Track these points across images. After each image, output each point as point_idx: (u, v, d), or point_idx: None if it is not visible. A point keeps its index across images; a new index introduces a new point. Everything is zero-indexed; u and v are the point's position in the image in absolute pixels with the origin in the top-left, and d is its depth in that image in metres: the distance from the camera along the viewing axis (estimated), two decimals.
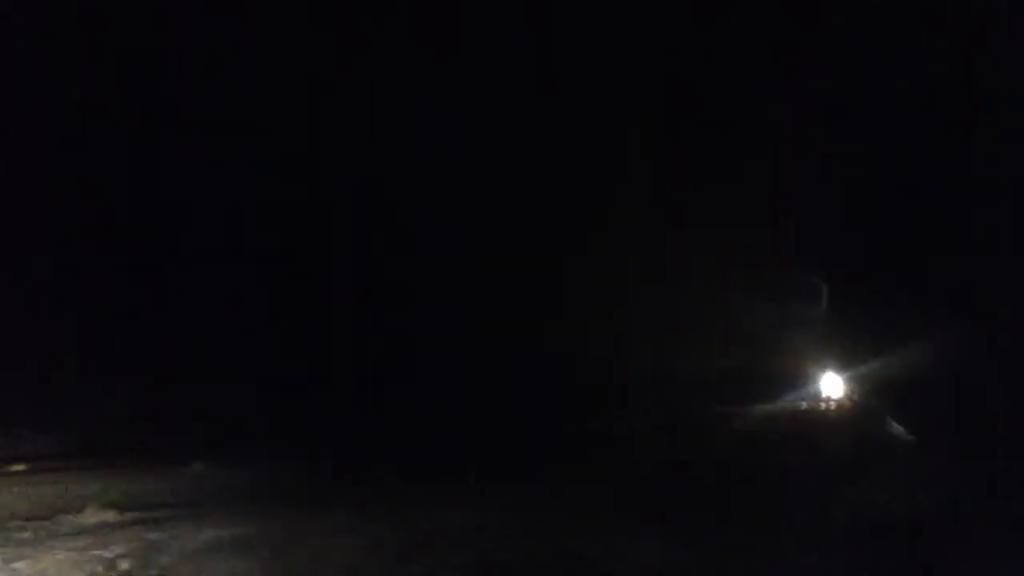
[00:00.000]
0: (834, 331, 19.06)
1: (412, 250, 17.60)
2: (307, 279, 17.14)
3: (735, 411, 17.90)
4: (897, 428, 14.62)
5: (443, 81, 16.23)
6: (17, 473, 11.20)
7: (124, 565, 7.05)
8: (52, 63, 15.58)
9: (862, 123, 14.01)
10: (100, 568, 7.00)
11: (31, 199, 15.65)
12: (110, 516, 8.71)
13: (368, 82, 16.86)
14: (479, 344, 16.45)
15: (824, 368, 20.61)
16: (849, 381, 19.60)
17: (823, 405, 20.26)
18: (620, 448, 13.43)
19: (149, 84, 16.39)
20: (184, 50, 16.27)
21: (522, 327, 16.84)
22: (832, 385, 20.41)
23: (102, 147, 16.04)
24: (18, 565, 6.99)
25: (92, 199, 16.09)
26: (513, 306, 17.22)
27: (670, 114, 16.93)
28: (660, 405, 16.99)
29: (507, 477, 11.08)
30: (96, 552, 7.35)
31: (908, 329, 14.29)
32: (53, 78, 15.53)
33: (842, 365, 19.66)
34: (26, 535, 7.95)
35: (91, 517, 8.67)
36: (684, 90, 16.71)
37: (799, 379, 20.86)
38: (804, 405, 20.37)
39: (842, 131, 14.41)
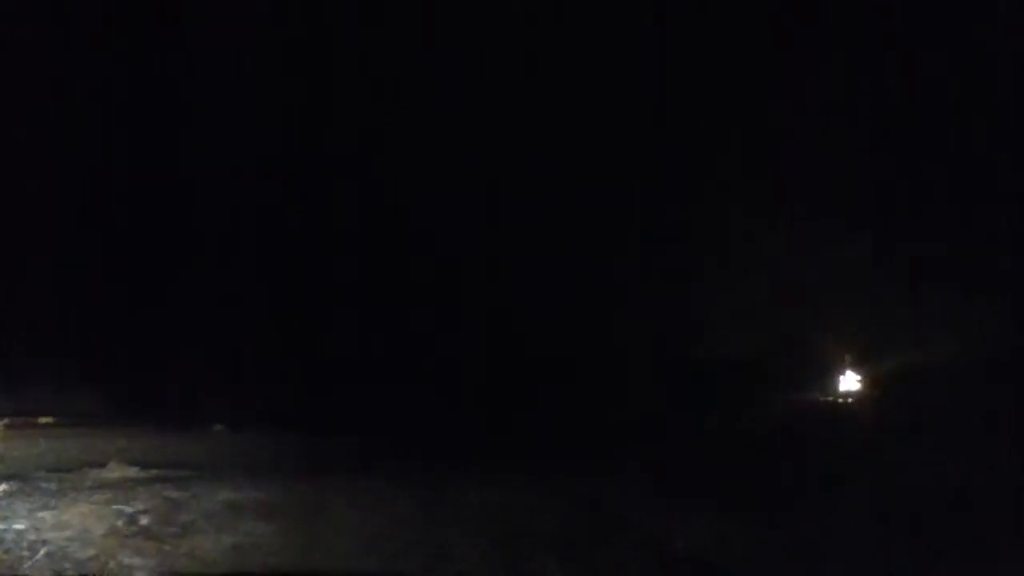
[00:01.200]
0: (860, 324, 19.31)
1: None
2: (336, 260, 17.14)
3: (765, 401, 18.15)
4: (907, 419, 14.69)
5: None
6: (45, 426, 11.31)
7: (144, 520, 7.05)
8: (53, 62, 15.65)
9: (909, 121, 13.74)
10: (120, 522, 7.00)
11: (45, 189, 15.75)
12: (132, 472, 8.74)
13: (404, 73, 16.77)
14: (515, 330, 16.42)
15: (845, 364, 21.52)
16: (867, 377, 20.48)
17: (842, 399, 21.07)
18: (659, 433, 13.34)
19: (153, 83, 16.42)
20: (188, 46, 16.28)
21: (561, 318, 16.78)
22: (851, 380, 21.42)
23: (107, 142, 16.09)
24: (42, 514, 7.01)
25: (112, 186, 16.18)
26: (553, 298, 17.19)
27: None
28: (696, 393, 17.06)
29: (534, 462, 10.97)
30: (118, 507, 7.36)
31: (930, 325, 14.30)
32: (54, 77, 15.59)
33: (861, 362, 20.58)
34: (51, 486, 7.99)
35: (114, 472, 8.71)
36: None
37: (824, 373, 21.79)
38: (828, 398, 21.26)
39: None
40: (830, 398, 21.35)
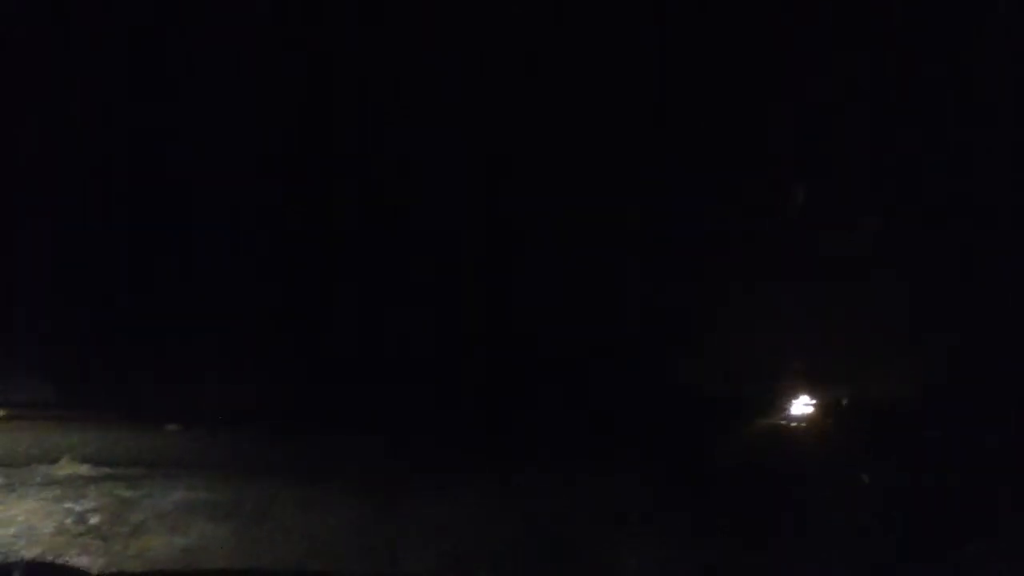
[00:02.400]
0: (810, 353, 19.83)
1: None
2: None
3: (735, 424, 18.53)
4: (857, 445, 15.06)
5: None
6: None
7: (94, 520, 7.00)
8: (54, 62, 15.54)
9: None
10: (69, 520, 6.95)
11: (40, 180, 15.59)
12: (84, 470, 8.65)
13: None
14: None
15: (798, 392, 22.41)
16: (820, 404, 21.27)
17: (795, 424, 21.70)
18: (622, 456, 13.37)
19: (151, 78, 16.29)
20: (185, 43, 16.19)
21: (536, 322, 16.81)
22: (804, 407, 22.34)
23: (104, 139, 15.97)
24: None
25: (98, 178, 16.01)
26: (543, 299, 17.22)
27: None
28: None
29: (505, 468, 10.95)
30: (68, 505, 7.30)
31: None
32: (55, 76, 15.47)
33: (814, 390, 21.44)
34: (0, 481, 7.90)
35: (65, 469, 8.62)
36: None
37: (782, 401, 22.63)
38: (786, 422, 21.91)
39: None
40: (783, 422, 21.90)
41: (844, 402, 19.21)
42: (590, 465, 11.53)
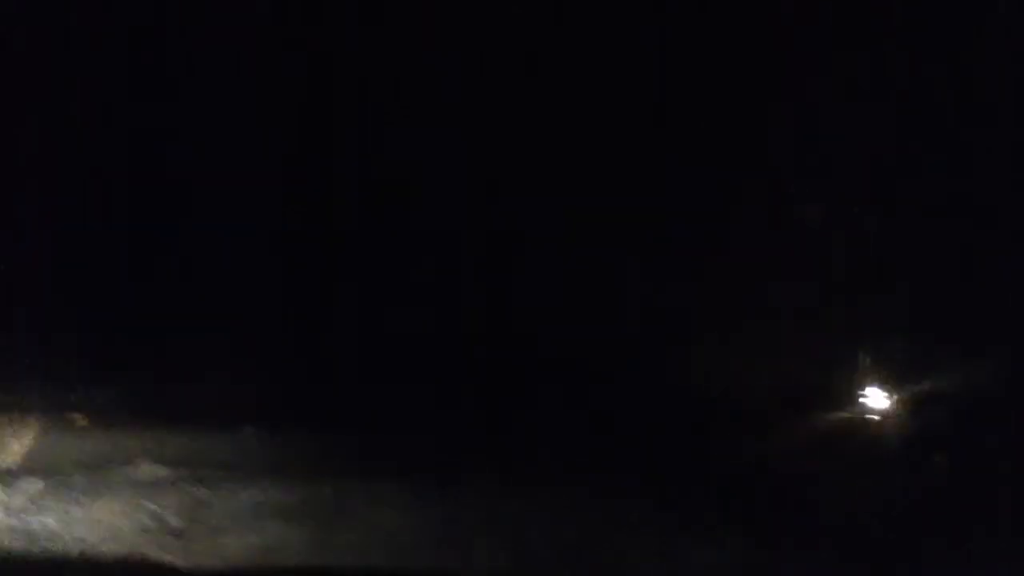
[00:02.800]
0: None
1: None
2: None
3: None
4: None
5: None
6: (74, 422, 11.43)
7: (172, 520, 7.16)
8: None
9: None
10: (148, 520, 7.13)
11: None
12: (161, 472, 8.83)
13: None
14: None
15: (868, 385, 21.50)
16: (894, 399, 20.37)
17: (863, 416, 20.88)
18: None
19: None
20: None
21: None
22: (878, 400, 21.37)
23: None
24: (72, 511, 7.14)
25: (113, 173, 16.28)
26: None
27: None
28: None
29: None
30: (146, 505, 7.47)
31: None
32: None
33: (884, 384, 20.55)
34: (80, 483, 8.11)
35: (142, 471, 8.81)
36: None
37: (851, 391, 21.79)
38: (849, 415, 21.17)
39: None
40: (849, 416, 20.97)
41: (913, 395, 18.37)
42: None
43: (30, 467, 8.77)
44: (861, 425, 17.34)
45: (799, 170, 15.70)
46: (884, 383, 18.46)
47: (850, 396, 17.36)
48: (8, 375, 12.15)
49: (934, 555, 7.44)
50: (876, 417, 18.28)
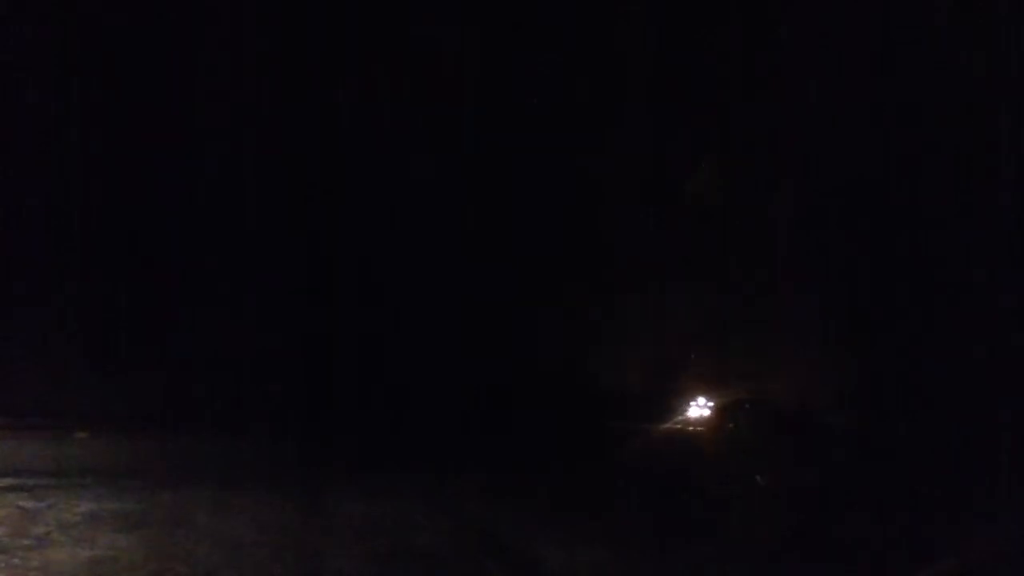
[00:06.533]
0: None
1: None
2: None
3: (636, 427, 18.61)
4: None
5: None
6: None
7: None
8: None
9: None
10: None
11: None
12: None
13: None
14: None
15: (696, 394, 22.25)
16: (719, 406, 21.09)
17: (692, 427, 21.65)
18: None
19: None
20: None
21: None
22: (702, 409, 22.10)
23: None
24: None
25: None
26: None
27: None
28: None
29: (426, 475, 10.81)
30: None
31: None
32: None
33: (713, 392, 21.29)
34: None
35: None
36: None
37: (679, 402, 22.48)
38: (680, 425, 21.85)
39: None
40: (678, 426, 21.89)
41: (747, 404, 19.26)
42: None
43: None
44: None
45: None
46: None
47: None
48: None
49: None
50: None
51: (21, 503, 7.52)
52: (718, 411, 20.75)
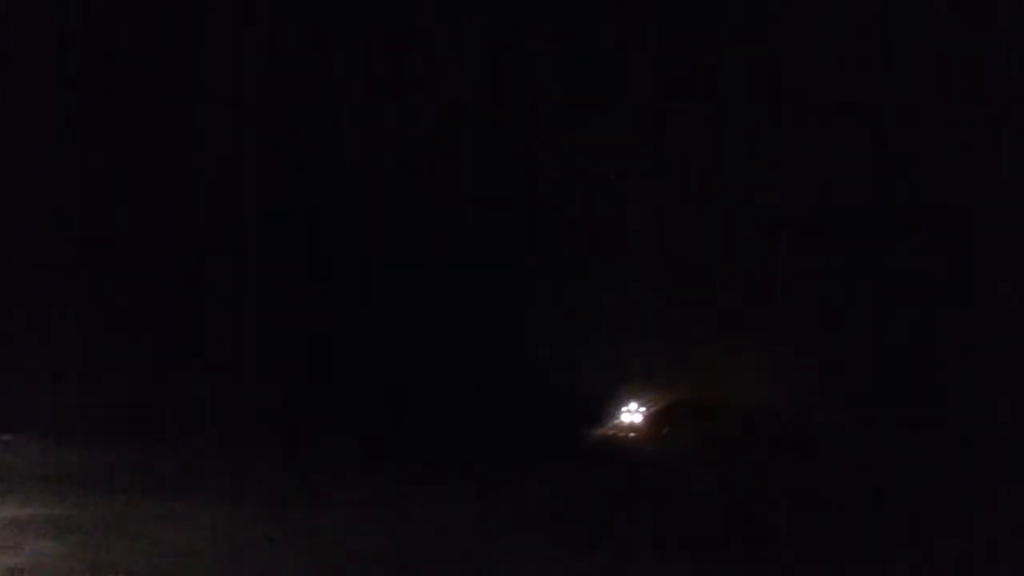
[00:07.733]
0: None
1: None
2: None
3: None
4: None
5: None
6: None
7: None
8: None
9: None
10: None
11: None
12: None
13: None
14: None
15: (628, 398, 21.81)
16: (651, 410, 20.79)
17: (623, 432, 21.26)
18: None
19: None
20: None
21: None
22: (633, 413, 21.68)
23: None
24: None
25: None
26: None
27: None
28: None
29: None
30: None
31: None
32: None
33: (644, 394, 20.97)
34: None
35: None
36: None
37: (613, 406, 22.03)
38: (611, 431, 21.37)
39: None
40: (611, 432, 21.31)
41: (684, 407, 18.84)
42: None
43: None
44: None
45: None
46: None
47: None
48: None
49: None
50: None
51: None
52: (653, 415, 20.34)
